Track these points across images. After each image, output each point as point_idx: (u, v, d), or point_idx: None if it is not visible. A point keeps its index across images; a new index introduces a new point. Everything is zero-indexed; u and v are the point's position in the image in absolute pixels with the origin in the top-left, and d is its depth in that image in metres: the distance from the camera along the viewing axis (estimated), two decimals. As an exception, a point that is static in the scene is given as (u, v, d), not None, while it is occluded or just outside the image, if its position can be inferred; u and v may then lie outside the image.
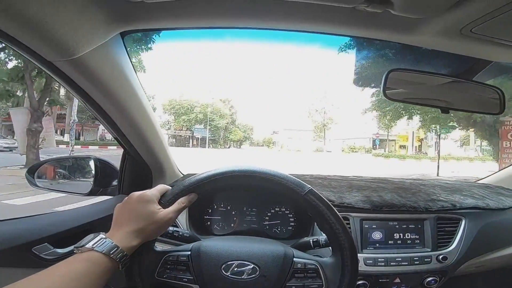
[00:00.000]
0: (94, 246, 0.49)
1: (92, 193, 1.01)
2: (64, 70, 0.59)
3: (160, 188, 0.59)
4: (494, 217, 1.00)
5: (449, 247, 0.91)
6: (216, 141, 36.13)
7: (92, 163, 1.04)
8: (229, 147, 37.48)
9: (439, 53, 0.81)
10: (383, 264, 0.85)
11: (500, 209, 1.00)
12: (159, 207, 0.56)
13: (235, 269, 0.58)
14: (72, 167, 1.11)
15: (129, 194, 0.58)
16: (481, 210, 0.99)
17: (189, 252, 0.60)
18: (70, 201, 3.78)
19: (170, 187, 0.61)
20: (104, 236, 0.51)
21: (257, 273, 0.57)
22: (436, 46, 0.72)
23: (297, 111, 45.90)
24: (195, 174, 0.63)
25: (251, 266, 0.58)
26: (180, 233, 0.73)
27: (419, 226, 0.93)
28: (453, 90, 0.80)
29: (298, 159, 19.54)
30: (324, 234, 0.64)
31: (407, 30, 0.65)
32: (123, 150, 1.00)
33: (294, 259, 0.60)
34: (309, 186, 0.59)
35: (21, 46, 0.52)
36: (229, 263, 0.58)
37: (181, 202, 0.59)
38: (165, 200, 0.58)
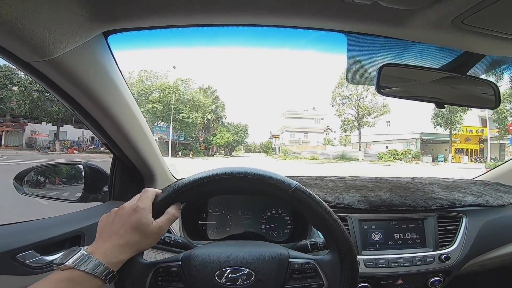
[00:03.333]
0: (75, 264, 0.45)
1: (82, 199, 0.98)
2: (43, 71, 0.57)
3: (149, 196, 0.55)
4: (495, 214, 0.98)
5: (451, 246, 0.89)
6: (192, 147, 26.25)
7: (81, 169, 1.02)
8: (213, 155, 28.77)
9: (432, 48, 0.80)
10: (384, 265, 0.82)
11: (500, 206, 0.98)
12: (152, 219, 0.53)
13: (229, 275, 0.55)
14: (61, 173, 1.08)
15: (121, 200, 0.55)
16: (481, 207, 0.97)
17: (179, 262, 0.57)
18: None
19: (159, 191, 0.58)
20: (86, 252, 0.47)
21: (253, 278, 0.55)
22: (428, 39, 0.70)
23: (300, 108, 37.58)
24: None
25: (246, 271, 0.55)
26: (173, 239, 0.71)
27: (419, 225, 0.90)
28: (447, 85, 0.78)
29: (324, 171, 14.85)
30: (322, 236, 0.61)
31: (397, 23, 0.64)
32: (112, 155, 0.97)
33: (290, 259, 0.57)
34: (296, 182, 0.57)
35: None
36: (223, 269, 0.55)
37: (170, 212, 0.56)
38: (155, 209, 0.55)
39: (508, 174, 1.26)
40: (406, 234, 0.89)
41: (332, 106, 25.80)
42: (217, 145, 29.43)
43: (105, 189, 1.03)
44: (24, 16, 0.44)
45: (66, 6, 0.49)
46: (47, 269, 0.72)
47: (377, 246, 0.88)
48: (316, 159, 25.48)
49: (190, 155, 24.12)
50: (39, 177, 1.03)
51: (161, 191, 0.58)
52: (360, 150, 24.68)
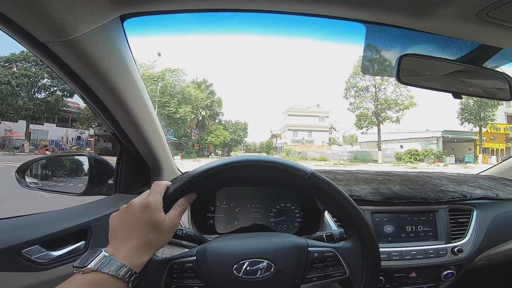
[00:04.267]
0: (98, 266, 0.43)
1: (86, 192, 0.96)
2: (57, 53, 0.54)
3: (160, 190, 0.53)
4: (504, 207, 0.99)
5: (463, 239, 0.89)
6: (184, 146, 23.12)
7: (86, 161, 0.99)
8: (208, 155, 25.14)
9: (449, 40, 0.79)
10: (397, 258, 0.82)
11: (510, 200, 0.99)
12: (164, 214, 0.50)
13: (248, 268, 0.53)
14: (65, 166, 1.05)
15: (126, 193, 0.52)
16: (491, 200, 0.97)
17: (194, 257, 0.55)
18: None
19: (170, 183, 0.55)
20: (108, 254, 0.45)
21: (272, 269, 0.53)
22: (449, 31, 0.70)
23: (303, 105, 33.71)
24: None
25: (265, 263, 0.53)
26: (184, 232, 0.68)
27: (431, 218, 0.90)
28: (463, 76, 0.78)
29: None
30: (337, 228, 0.60)
31: (420, 14, 0.63)
32: (120, 146, 0.95)
33: (309, 248, 0.56)
34: (311, 168, 0.56)
35: (12, 25, 0.47)
36: (240, 262, 0.53)
37: (181, 204, 0.54)
38: (167, 203, 0.52)
39: None
40: (418, 227, 0.89)
41: (346, 98, 21.92)
42: (213, 144, 26.18)
43: (110, 182, 1.01)
44: None
45: None
46: (54, 265, 0.69)
47: (390, 238, 0.87)
48: (326, 160, 22.45)
49: (179, 156, 20.47)
50: (42, 170, 1.00)
51: (171, 183, 0.56)
52: (379, 150, 21.02)
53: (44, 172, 1.01)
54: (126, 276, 0.44)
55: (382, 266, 0.81)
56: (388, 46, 0.76)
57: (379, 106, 20.48)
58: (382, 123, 20.75)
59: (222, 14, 0.70)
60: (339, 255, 0.55)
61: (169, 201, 0.53)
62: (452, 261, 0.85)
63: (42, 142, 19.98)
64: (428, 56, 0.75)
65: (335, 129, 33.89)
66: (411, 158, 19.04)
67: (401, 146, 22.12)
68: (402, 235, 0.88)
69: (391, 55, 0.77)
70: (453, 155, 19.15)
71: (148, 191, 0.53)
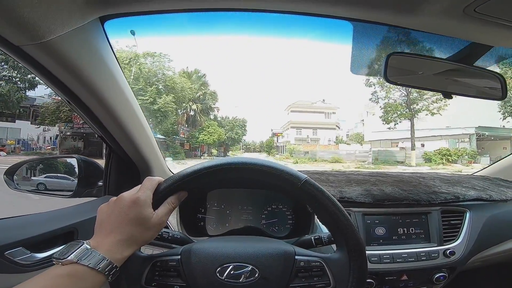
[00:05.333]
0: (78, 258, 0.43)
1: (76, 194, 0.95)
2: (34, 56, 0.53)
3: (152, 185, 0.52)
4: (498, 209, 0.98)
5: (456, 241, 0.88)
6: (169, 146, 19.20)
7: (75, 163, 0.98)
8: (201, 156, 22.13)
9: (439, 38, 0.78)
10: (388, 261, 0.81)
11: (503, 201, 0.98)
12: (152, 210, 0.50)
13: (232, 272, 0.52)
14: (54, 168, 1.04)
15: (116, 195, 0.51)
16: (484, 201, 0.96)
17: (178, 256, 0.54)
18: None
19: (162, 179, 0.55)
20: (89, 246, 0.45)
21: (256, 275, 0.52)
22: (436, 28, 0.69)
23: (307, 101, 31.04)
24: None
25: (249, 268, 0.53)
26: (171, 235, 0.67)
27: (423, 220, 0.89)
28: (454, 75, 0.77)
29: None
30: (326, 231, 0.59)
31: (407, 11, 0.62)
32: (108, 147, 0.94)
33: (296, 257, 0.55)
34: (306, 176, 0.54)
35: None
36: (224, 266, 0.53)
37: (170, 202, 0.53)
38: (157, 199, 0.52)
39: (508, 169, 1.27)
40: (410, 229, 0.88)
41: (369, 87, 17.73)
42: (205, 143, 22.32)
43: (100, 183, 1.00)
44: None
45: None
46: (38, 267, 0.68)
47: (381, 241, 0.86)
48: (340, 162, 18.62)
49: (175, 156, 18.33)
50: (31, 172, 1.00)
51: (163, 180, 0.55)
52: (412, 149, 16.79)
53: (33, 174, 1.00)
54: (106, 270, 0.44)
55: (373, 269, 0.81)
56: (377, 45, 0.75)
57: (410, 96, 16.44)
58: (417, 116, 16.55)
59: (206, 13, 0.69)
60: (326, 266, 0.54)
61: (159, 197, 0.52)
62: (444, 264, 0.84)
63: (10, 142, 18.20)
64: (417, 55, 0.74)
65: (339, 127, 31.79)
66: (442, 158, 16.22)
67: (422, 145, 18.89)
68: (393, 237, 0.87)
69: (380, 54, 0.76)
70: (487, 155, 16.07)
71: (139, 185, 0.53)
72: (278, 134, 32.33)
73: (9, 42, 0.50)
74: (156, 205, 0.51)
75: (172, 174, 0.56)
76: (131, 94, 0.77)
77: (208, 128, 22.17)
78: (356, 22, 0.69)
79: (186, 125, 22.12)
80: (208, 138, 21.73)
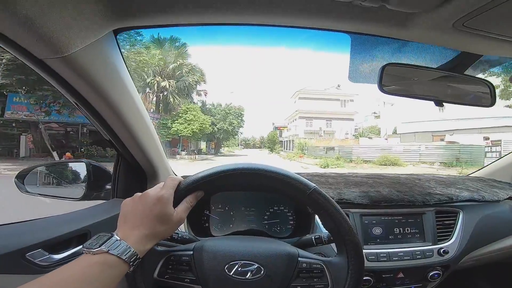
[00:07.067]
0: (109, 248, 0.47)
1: (85, 197, 0.98)
2: (55, 69, 0.57)
3: (174, 184, 0.57)
4: (490, 209, 1.02)
5: (449, 241, 0.92)
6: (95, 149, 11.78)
7: (84, 167, 1.01)
8: (176, 155, 15.07)
9: (431, 48, 0.83)
10: (385, 259, 0.85)
11: (495, 201, 1.02)
12: (173, 208, 0.55)
13: (239, 269, 0.57)
14: (63, 172, 1.08)
15: (124, 198, 0.56)
16: (477, 202, 1.00)
17: (191, 252, 0.59)
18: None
19: (182, 179, 0.59)
20: (118, 238, 0.49)
21: (262, 273, 0.57)
22: (428, 40, 0.73)
23: (319, 87, 25.09)
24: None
25: (256, 266, 0.57)
26: (180, 235, 0.72)
27: (418, 220, 0.93)
28: (446, 84, 0.81)
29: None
30: (325, 231, 0.63)
31: (401, 24, 0.66)
32: (116, 152, 0.98)
33: (299, 258, 0.59)
34: (314, 184, 0.59)
35: (10, 43, 0.50)
36: (232, 263, 0.57)
37: (189, 200, 0.58)
38: (177, 197, 0.57)
39: (502, 171, 1.31)
40: (406, 229, 0.92)
41: None
42: (182, 136, 15.07)
43: (108, 187, 1.04)
44: (43, 13, 0.45)
45: (82, 3, 0.49)
46: (56, 267, 0.72)
47: (378, 240, 0.90)
48: (398, 164, 13.17)
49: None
50: (41, 176, 1.03)
51: (183, 179, 0.60)
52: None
53: (43, 178, 1.04)
54: (131, 260, 0.48)
55: (371, 267, 0.85)
56: (373, 55, 0.79)
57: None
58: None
59: (214, 27, 0.73)
60: (326, 269, 0.59)
61: (179, 196, 0.57)
62: (438, 262, 0.88)
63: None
64: (411, 65, 0.78)
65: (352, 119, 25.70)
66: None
67: (486, 138, 14.08)
68: (390, 237, 0.91)
69: (376, 64, 0.80)
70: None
71: (162, 183, 0.58)
72: (282, 128, 27.84)
73: (33, 56, 0.54)
74: (176, 202, 0.56)
75: (190, 175, 0.60)
76: (140, 102, 0.81)
77: (186, 113, 15.20)
78: (354, 34, 0.74)
79: (153, 110, 15.53)
80: (185, 128, 14.96)
